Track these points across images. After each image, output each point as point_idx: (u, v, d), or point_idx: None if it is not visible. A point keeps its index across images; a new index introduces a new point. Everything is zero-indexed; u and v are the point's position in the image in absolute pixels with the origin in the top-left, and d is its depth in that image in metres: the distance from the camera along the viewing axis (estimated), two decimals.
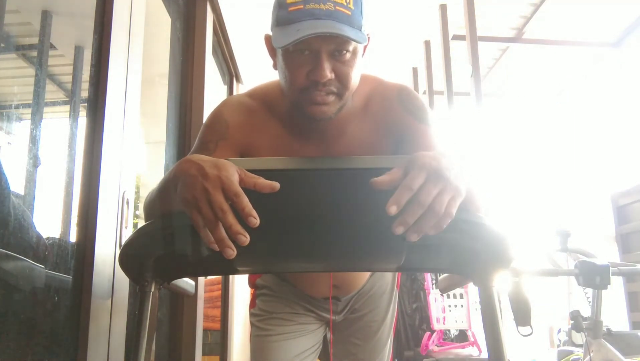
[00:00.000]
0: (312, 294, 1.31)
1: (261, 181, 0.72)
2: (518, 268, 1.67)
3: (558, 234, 1.95)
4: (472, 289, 3.24)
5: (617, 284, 4.11)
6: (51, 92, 1.30)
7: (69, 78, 1.35)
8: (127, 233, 1.33)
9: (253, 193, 0.71)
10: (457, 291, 3.26)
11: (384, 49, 4.36)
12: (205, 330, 2.38)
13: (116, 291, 1.27)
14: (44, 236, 1.14)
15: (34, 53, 1.23)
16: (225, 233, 0.70)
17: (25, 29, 1.24)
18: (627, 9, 4.29)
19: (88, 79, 1.30)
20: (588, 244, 2.28)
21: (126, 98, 1.39)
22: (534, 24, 4.45)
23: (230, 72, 3.63)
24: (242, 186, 0.71)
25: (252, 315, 1.36)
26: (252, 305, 1.37)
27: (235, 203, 0.70)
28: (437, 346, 3.21)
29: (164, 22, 2.21)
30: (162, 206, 0.83)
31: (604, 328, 1.80)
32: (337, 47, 0.90)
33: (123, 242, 1.27)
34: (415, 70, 5.14)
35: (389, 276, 1.38)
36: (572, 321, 1.80)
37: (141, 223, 1.01)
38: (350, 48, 0.92)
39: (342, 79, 0.93)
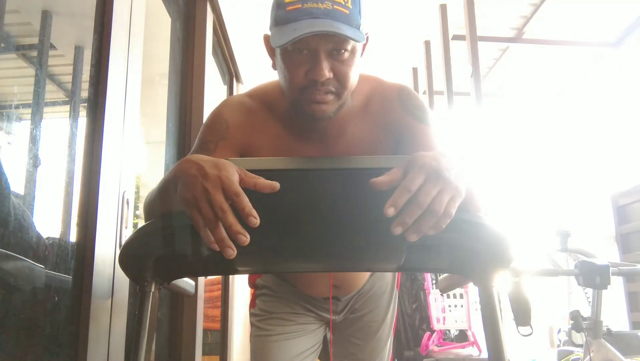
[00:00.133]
0: (312, 294, 1.31)
1: (261, 181, 0.72)
2: (518, 268, 1.67)
3: (558, 234, 1.95)
4: (472, 289, 3.24)
5: (617, 284, 4.11)
6: (51, 92, 1.30)
7: (69, 78, 1.35)
8: (127, 233, 1.33)
9: (253, 193, 0.71)
10: (457, 291, 3.26)
11: (384, 49, 4.36)
12: (205, 330, 2.38)
13: (116, 291, 1.27)
14: (44, 236, 1.14)
15: (34, 53, 1.23)
16: (225, 232, 0.70)
17: (25, 29, 1.24)
18: (627, 9, 4.29)
19: (88, 79, 1.30)
20: (588, 244, 2.28)
21: (126, 98, 1.39)
22: (534, 24, 4.45)
23: (230, 72, 3.63)
24: (242, 186, 0.71)
25: (252, 315, 1.36)
26: (252, 304, 1.37)
27: (235, 203, 0.70)
28: (437, 346, 3.21)
29: (164, 22, 2.21)
30: (162, 206, 0.83)
31: (604, 328, 1.81)
32: (335, 46, 0.90)
33: (123, 242, 1.27)
34: (415, 70, 5.14)
35: (389, 276, 1.38)
36: (572, 321, 1.80)
37: (141, 223, 1.01)
38: (349, 47, 0.92)
39: (340, 78, 0.93)
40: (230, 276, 3.22)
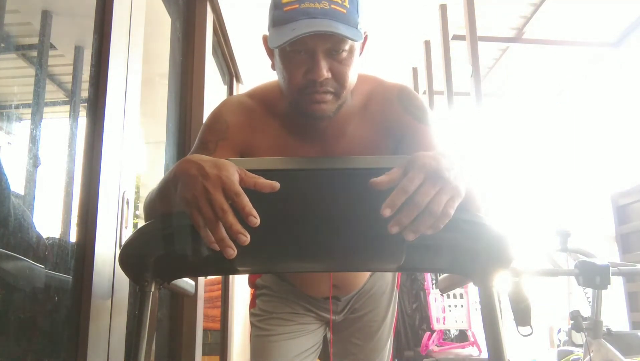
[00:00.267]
0: (312, 294, 1.30)
1: (261, 180, 0.72)
2: (518, 268, 1.67)
3: (558, 234, 1.95)
4: (472, 289, 3.24)
5: (617, 284, 4.11)
6: (51, 92, 1.30)
7: (69, 78, 1.35)
8: (127, 233, 1.33)
9: (253, 193, 0.71)
10: (457, 291, 3.26)
11: (384, 49, 4.36)
12: (205, 330, 2.38)
13: (116, 291, 1.27)
14: (44, 236, 1.14)
15: (34, 53, 1.23)
16: (225, 232, 0.70)
17: (25, 29, 1.24)
18: (627, 9, 4.29)
19: (88, 79, 1.30)
20: (588, 244, 2.28)
21: (126, 98, 1.39)
22: (534, 24, 4.45)
23: (230, 72, 3.63)
24: (242, 185, 0.71)
25: (252, 315, 1.36)
26: (252, 304, 1.37)
27: (235, 203, 0.70)
28: (437, 346, 3.21)
29: (164, 22, 2.21)
30: (162, 206, 0.83)
31: (604, 328, 1.80)
32: (333, 45, 0.90)
33: (123, 242, 1.27)
34: (415, 70, 5.14)
35: (389, 276, 1.38)
36: (572, 321, 1.80)
37: (141, 223, 1.01)
38: (347, 47, 0.92)
39: (339, 78, 0.93)
40: (230, 276, 3.22)
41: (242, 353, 3.38)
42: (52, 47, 1.28)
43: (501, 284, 1.66)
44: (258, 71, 2.43)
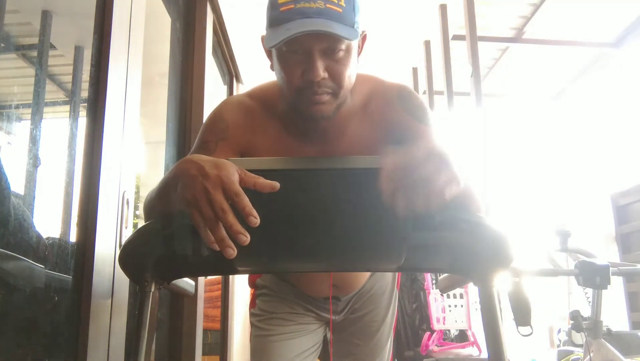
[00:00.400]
0: (312, 294, 1.30)
1: (261, 180, 0.72)
2: (518, 268, 1.67)
3: (558, 234, 1.95)
4: (472, 289, 3.24)
5: (617, 284, 4.10)
6: (51, 92, 1.30)
7: (69, 78, 1.35)
8: (127, 233, 1.33)
9: (253, 193, 0.71)
10: (457, 291, 3.26)
11: (384, 49, 4.36)
12: (205, 330, 2.37)
13: (116, 291, 1.27)
14: (44, 236, 1.14)
15: (34, 53, 1.23)
16: (225, 232, 0.70)
17: (25, 29, 1.24)
18: (627, 9, 4.29)
19: (88, 79, 1.30)
20: (588, 244, 2.28)
21: (126, 98, 1.39)
22: (534, 24, 4.45)
23: (230, 72, 3.63)
24: (242, 185, 0.71)
25: (252, 315, 1.36)
26: (252, 304, 1.37)
27: (235, 203, 0.70)
28: (437, 346, 3.21)
29: (164, 22, 2.21)
30: (162, 206, 0.83)
31: (604, 328, 1.80)
32: (329, 45, 0.90)
33: (123, 242, 1.27)
34: (415, 70, 5.14)
35: (389, 276, 1.38)
36: (572, 321, 1.80)
37: (141, 223, 1.01)
38: (343, 46, 0.91)
39: (336, 78, 0.93)
40: (230, 276, 3.22)
41: (242, 353, 3.38)
42: (52, 47, 1.28)
43: (501, 284, 1.66)
44: (258, 71, 2.43)
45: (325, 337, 1.40)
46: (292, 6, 0.88)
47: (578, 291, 2.04)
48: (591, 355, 1.75)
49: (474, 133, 3.52)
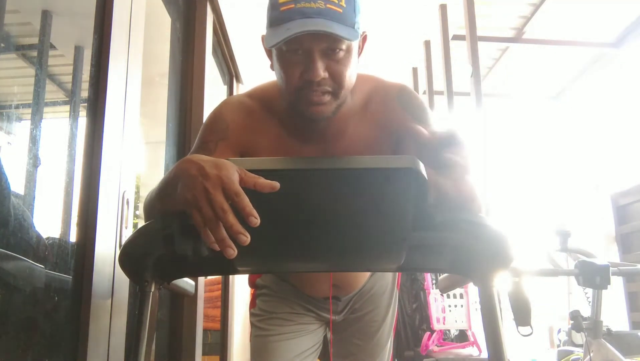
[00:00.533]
0: (312, 294, 1.30)
1: (261, 180, 0.72)
2: (518, 268, 1.67)
3: (558, 234, 1.95)
4: (472, 289, 3.24)
5: (617, 284, 4.10)
6: (51, 92, 1.30)
7: (69, 78, 1.35)
8: (127, 233, 1.33)
9: (253, 193, 0.71)
10: (457, 291, 3.26)
11: (384, 49, 4.35)
12: (205, 330, 2.37)
13: (116, 291, 1.27)
14: (44, 236, 1.14)
15: (34, 53, 1.23)
16: (225, 232, 0.70)
17: (25, 29, 1.23)
18: (627, 9, 4.29)
19: (88, 79, 1.30)
20: (588, 244, 2.28)
21: (126, 98, 1.39)
22: (534, 24, 4.45)
23: (230, 72, 3.63)
24: (242, 185, 0.71)
25: (252, 314, 1.36)
26: (252, 304, 1.37)
27: (235, 203, 0.70)
28: (437, 346, 3.21)
29: (164, 22, 2.21)
30: (162, 206, 0.83)
31: (604, 328, 1.80)
32: (329, 45, 0.90)
33: (123, 242, 1.27)
34: (415, 70, 5.14)
35: (389, 276, 1.38)
36: (572, 321, 1.80)
37: (141, 223, 1.01)
38: (344, 46, 0.91)
39: (336, 78, 0.93)
40: (230, 276, 3.22)
41: (242, 353, 3.38)
42: (52, 47, 1.28)
43: (501, 284, 1.66)
44: (258, 71, 2.43)
45: (325, 337, 1.40)
46: (293, 6, 0.88)
47: (578, 291, 2.04)
48: (591, 355, 1.75)
49: (474, 133, 3.52)
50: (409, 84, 4.61)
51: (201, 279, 2.19)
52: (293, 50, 0.91)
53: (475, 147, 3.44)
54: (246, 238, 0.70)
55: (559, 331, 4.00)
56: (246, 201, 0.70)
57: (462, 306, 3.25)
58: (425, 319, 3.32)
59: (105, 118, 1.25)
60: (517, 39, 4.63)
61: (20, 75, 1.23)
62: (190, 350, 2.06)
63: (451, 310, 3.23)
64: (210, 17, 2.55)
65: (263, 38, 0.98)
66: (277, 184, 0.72)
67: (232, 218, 0.69)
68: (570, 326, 1.98)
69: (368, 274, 1.33)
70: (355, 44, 0.95)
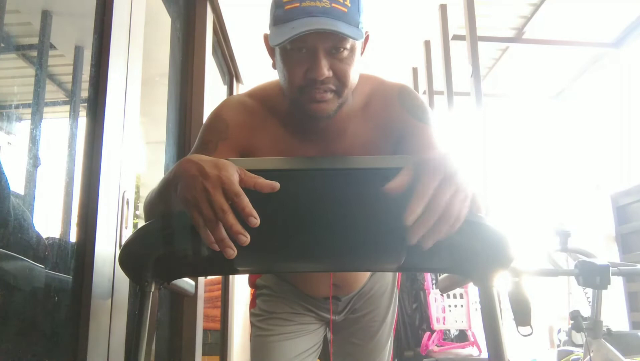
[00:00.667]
0: (312, 294, 1.30)
1: (261, 180, 0.72)
2: (518, 268, 1.67)
3: (558, 234, 1.95)
4: (472, 289, 3.24)
5: (617, 284, 4.10)
6: (51, 92, 1.29)
7: (69, 78, 1.35)
8: (127, 233, 1.33)
9: (253, 193, 0.71)
10: (457, 291, 3.26)
11: (384, 49, 4.36)
12: (205, 330, 2.38)
13: (116, 291, 1.27)
14: (44, 236, 1.14)
15: (34, 53, 1.22)
16: (225, 232, 0.70)
17: (25, 29, 1.23)
18: (627, 9, 4.29)
19: (88, 79, 1.30)
20: (588, 244, 2.28)
21: (126, 98, 1.39)
22: (534, 24, 4.45)
23: (230, 72, 3.63)
24: (242, 186, 0.71)
25: (252, 314, 1.36)
26: (252, 304, 1.37)
27: (235, 203, 0.70)
28: (437, 346, 3.21)
29: (164, 22, 2.21)
30: (162, 206, 0.83)
31: (604, 328, 1.80)
32: (334, 44, 0.90)
33: (123, 242, 1.27)
34: (415, 70, 5.14)
35: (389, 276, 1.38)
36: (572, 321, 1.80)
37: (141, 223, 1.01)
38: (348, 45, 0.92)
39: (340, 77, 0.93)
40: (230, 276, 3.22)
41: (242, 353, 3.38)
42: (52, 47, 1.28)
43: (501, 284, 1.67)
44: (258, 71, 2.43)
45: (325, 337, 1.40)
46: (298, 5, 0.88)
47: (578, 291, 2.05)
48: (591, 355, 1.75)
49: (474, 133, 3.52)
50: (409, 84, 4.61)
51: (201, 279, 2.19)
52: (297, 48, 0.91)
53: (475, 147, 3.44)
54: (246, 238, 0.70)
55: (559, 331, 4.00)
56: (246, 201, 0.70)
57: (462, 306, 3.25)
58: (425, 319, 3.32)
59: (105, 118, 1.25)
60: (517, 39, 4.63)
61: (20, 75, 1.23)
62: (190, 350, 2.06)
63: (451, 310, 3.24)
64: (210, 17, 2.55)
65: (265, 37, 0.98)
66: (277, 184, 0.72)
67: (232, 218, 0.69)
68: (570, 326, 1.98)
69: (368, 274, 1.33)
70: (358, 44, 0.95)
